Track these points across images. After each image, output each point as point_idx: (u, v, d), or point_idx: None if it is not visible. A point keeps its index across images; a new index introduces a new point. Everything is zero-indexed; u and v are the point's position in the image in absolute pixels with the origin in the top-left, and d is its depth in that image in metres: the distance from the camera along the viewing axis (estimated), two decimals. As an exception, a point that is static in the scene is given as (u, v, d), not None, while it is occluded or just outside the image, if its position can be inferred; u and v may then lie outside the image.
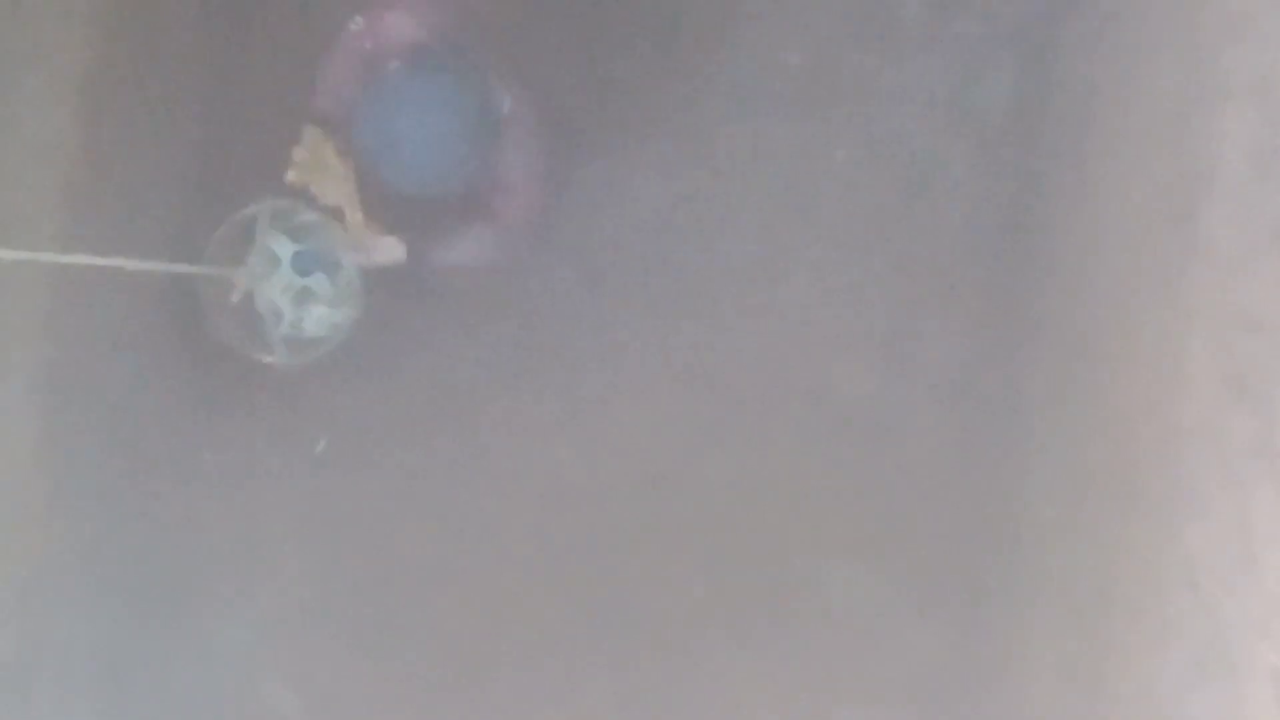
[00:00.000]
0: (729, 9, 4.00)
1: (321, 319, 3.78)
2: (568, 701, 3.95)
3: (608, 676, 3.97)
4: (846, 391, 3.94)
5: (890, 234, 3.95)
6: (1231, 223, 2.53)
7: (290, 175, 3.44)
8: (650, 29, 4.04)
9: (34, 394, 3.40)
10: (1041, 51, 3.83)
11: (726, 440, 3.98)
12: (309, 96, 3.44)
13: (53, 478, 3.49)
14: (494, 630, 3.98)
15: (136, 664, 3.85)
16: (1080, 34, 3.65)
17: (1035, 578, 3.47)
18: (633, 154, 4.00)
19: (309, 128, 3.42)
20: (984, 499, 3.79)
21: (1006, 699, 3.59)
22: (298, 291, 3.75)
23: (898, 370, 3.95)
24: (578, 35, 4.02)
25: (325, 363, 3.82)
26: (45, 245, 3.17)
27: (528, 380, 4.01)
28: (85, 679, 3.68)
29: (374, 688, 3.97)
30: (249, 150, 3.96)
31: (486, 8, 3.61)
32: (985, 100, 3.92)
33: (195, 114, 3.92)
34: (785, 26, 4.00)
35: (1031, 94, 3.85)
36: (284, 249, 3.72)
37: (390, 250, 3.44)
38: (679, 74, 4.01)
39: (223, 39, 3.96)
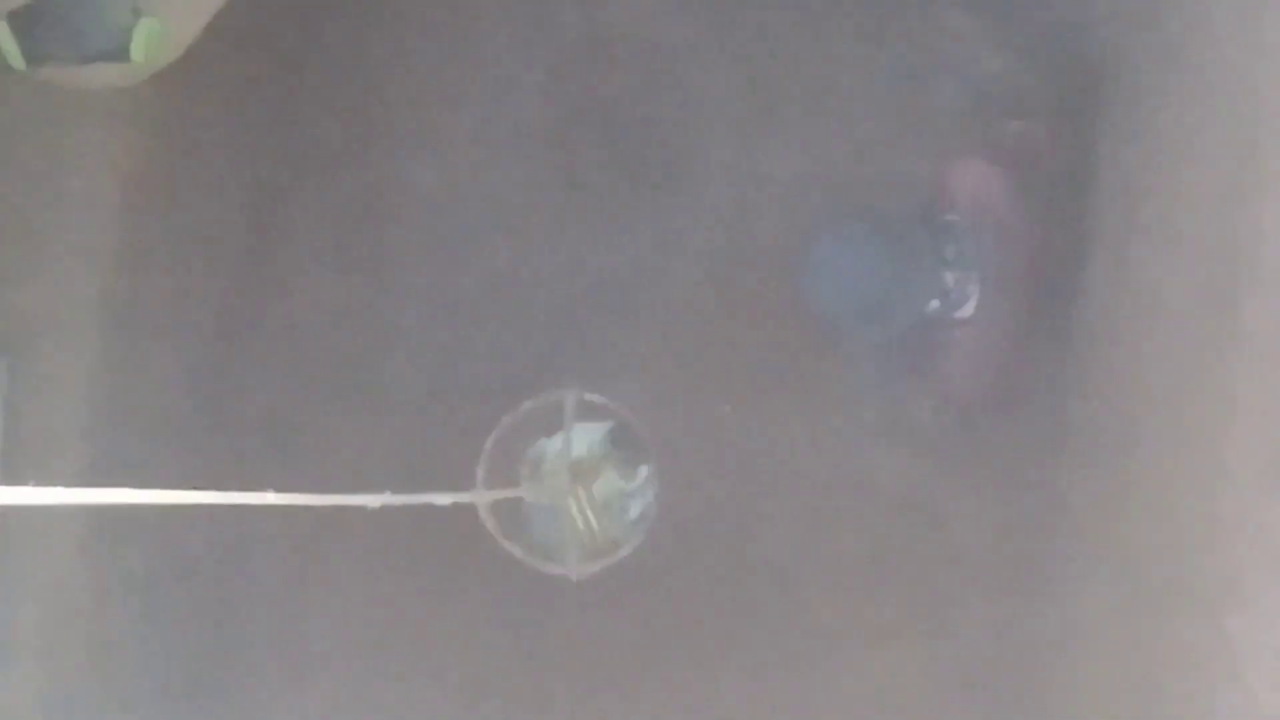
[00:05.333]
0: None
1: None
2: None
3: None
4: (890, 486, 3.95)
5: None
6: (1272, 313, 2.51)
7: None
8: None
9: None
10: (1081, 137, 3.84)
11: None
12: None
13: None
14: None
15: None
16: (1119, 127, 3.65)
17: (1079, 670, 3.45)
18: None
19: None
20: (1028, 591, 3.78)
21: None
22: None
23: (942, 460, 3.97)
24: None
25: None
26: (85, 348, 3.19)
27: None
28: None
29: None
30: (294, 253, 3.99)
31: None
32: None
33: (238, 214, 3.95)
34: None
35: (1074, 166, 3.86)
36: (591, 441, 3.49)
37: None
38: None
39: (265, 142, 3.99)
